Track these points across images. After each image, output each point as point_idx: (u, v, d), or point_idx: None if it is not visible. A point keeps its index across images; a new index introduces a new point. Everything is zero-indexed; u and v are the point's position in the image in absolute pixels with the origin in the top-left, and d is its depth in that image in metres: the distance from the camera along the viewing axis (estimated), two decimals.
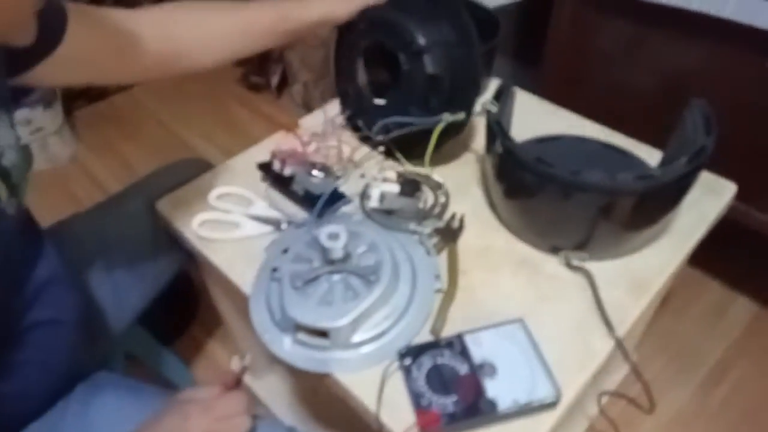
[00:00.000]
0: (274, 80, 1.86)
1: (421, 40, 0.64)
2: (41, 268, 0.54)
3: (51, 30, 0.47)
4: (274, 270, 0.59)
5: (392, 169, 0.72)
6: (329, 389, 0.55)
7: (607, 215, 0.56)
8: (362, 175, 0.72)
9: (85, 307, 0.62)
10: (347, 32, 0.72)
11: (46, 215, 0.62)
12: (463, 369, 0.51)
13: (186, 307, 1.18)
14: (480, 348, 0.52)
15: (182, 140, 1.76)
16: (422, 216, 0.65)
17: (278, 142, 0.76)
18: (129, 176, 1.57)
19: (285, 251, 0.60)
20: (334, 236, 0.54)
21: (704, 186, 0.67)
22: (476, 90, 0.65)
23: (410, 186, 0.68)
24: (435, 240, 0.64)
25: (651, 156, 0.71)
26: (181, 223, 0.69)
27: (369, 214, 0.66)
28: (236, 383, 0.55)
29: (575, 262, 0.61)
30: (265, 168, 0.73)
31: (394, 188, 0.68)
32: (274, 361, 0.85)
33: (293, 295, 0.54)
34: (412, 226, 0.64)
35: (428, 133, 0.65)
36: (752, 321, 1.15)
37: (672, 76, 0.98)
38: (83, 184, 1.63)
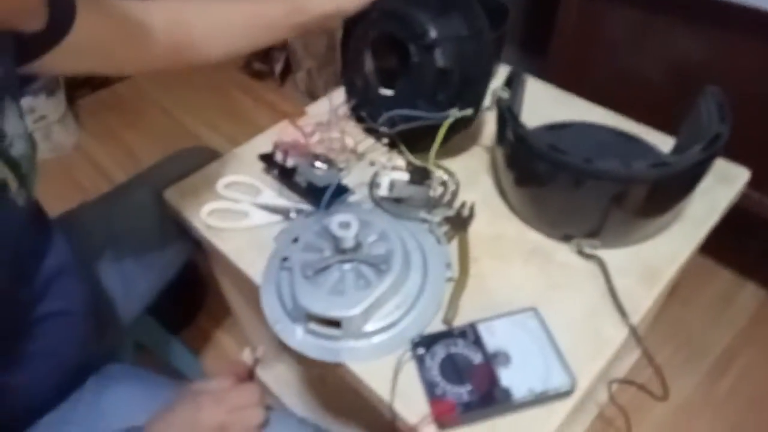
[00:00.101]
0: (278, 67, 1.84)
1: (433, 33, 0.63)
2: (51, 259, 0.53)
3: (60, 18, 0.46)
4: (285, 259, 0.59)
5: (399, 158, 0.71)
6: (341, 379, 0.55)
7: (621, 203, 0.55)
8: (372, 163, 0.71)
9: (95, 298, 0.62)
10: (357, 22, 0.71)
11: (50, 204, 0.62)
12: (477, 358, 0.50)
13: (193, 296, 1.18)
14: (493, 337, 0.52)
15: (185, 128, 1.75)
16: (432, 204, 0.65)
17: (281, 132, 0.75)
18: (132, 164, 1.57)
19: (295, 240, 0.60)
20: (345, 225, 0.54)
21: (716, 173, 0.66)
22: (485, 86, 0.64)
23: (420, 174, 0.67)
24: (445, 228, 0.63)
25: (662, 142, 0.70)
26: (190, 213, 0.68)
27: (378, 202, 0.66)
28: (249, 375, 0.55)
29: (587, 250, 0.60)
30: (268, 159, 0.72)
31: (404, 176, 0.68)
32: (282, 350, 0.86)
33: (304, 285, 0.54)
34: (422, 214, 0.63)
35: (435, 127, 0.64)
36: (760, 309, 1.15)
37: (680, 64, 0.96)
38: (87, 173, 1.63)
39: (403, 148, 0.70)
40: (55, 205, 0.66)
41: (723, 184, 0.67)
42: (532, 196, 0.62)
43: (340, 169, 0.70)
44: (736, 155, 0.68)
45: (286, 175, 0.70)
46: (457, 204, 0.66)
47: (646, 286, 0.58)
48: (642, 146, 0.69)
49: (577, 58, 1.08)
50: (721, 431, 0.98)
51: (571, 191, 0.55)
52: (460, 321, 0.55)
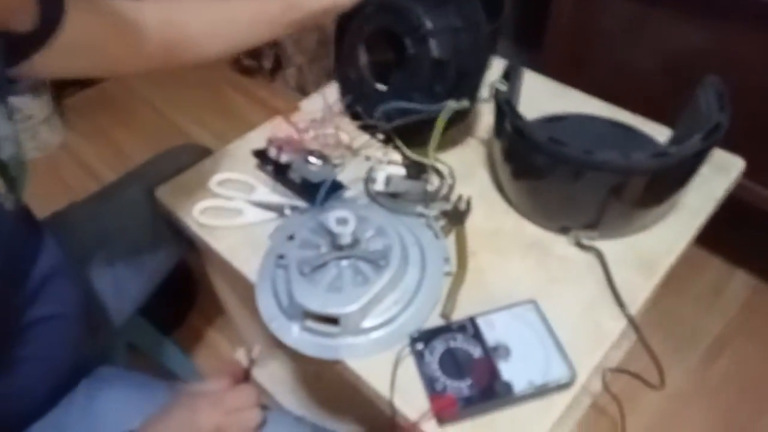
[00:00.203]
0: (267, 64, 1.83)
1: (429, 24, 0.62)
2: (42, 262, 0.52)
3: (49, 17, 0.44)
4: (280, 257, 0.58)
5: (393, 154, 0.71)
6: (337, 375, 0.54)
7: (620, 194, 0.55)
8: (367, 158, 0.70)
9: (87, 300, 0.60)
10: (352, 16, 0.70)
11: (36, 204, 0.61)
12: (476, 352, 0.50)
13: (185, 295, 1.17)
14: (493, 330, 0.52)
15: (175, 125, 1.73)
16: (429, 198, 0.64)
17: (275, 128, 0.74)
18: (121, 163, 1.55)
19: (291, 237, 0.59)
20: (342, 221, 0.53)
21: (712, 163, 0.65)
22: (481, 77, 0.64)
23: (416, 168, 0.67)
24: (442, 223, 0.63)
25: (659, 133, 0.70)
26: (182, 211, 0.67)
27: (374, 197, 0.65)
28: (245, 376, 0.54)
29: (585, 242, 0.60)
30: (261, 155, 0.71)
31: (400, 171, 0.67)
32: (276, 348, 0.85)
33: (301, 282, 0.53)
34: (419, 208, 0.63)
35: (430, 121, 0.64)
36: (751, 297, 1.16)
37: (676, 55, 0.96)
38: (75, 172, 1.61)
39: (399, 142, 0.69)
40: (41, 206, 0.64)
41: (719, 174, 0.68)
42: (530, 189, 0.62)
43: (335, 165, 0.69)
44: (728, 144, 0.68)
45: (280, 172, 0.69)
46: (453, 198, 0.65)
47: (643, 277, 0.58)
48: (639, 137, 0.69)
49: (572, 50, 1.08)
50: (713, 418, 0.99)
51: (570, 183, 0.55)
52: (458, 315, 0.54)
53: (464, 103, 0.63)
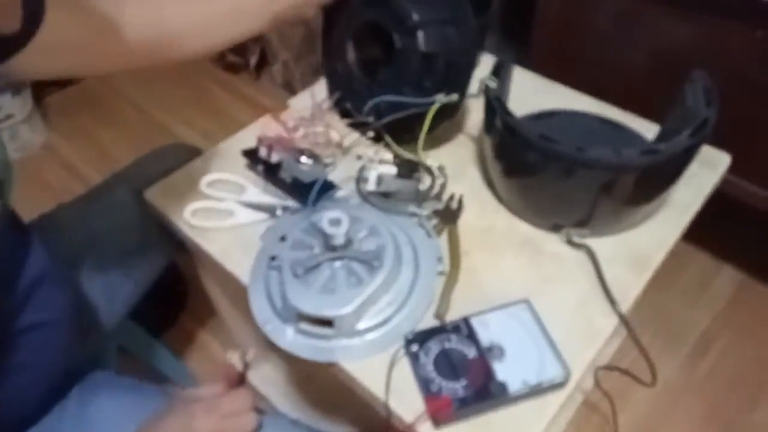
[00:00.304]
0: (253, 60, 1.81)
1: (416, 17, 0.61)
2: (30, 268, 0.51)
3: (28, 16, 0.43)
4: (273, 258, 0.57)
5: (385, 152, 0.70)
6: (332, 377, 0.54)
7: (610, 191, 0.55)
8: (358, 157, 0.70)
9: (77, 305, 0.59)
10: (339, 11, 0.69)
11: (20, 206, 0.59)
12: (471, 352, 0.50)
13: (175, 297, 1.16)
14: (487, 330, 0.52)
15: (159, 124, 1.71)
16: (421, 198, 0.64)
17: (264, 127, 0.73)
18: (104, 162, 1.53)
19: (283, 238, 0.58)
20: (335, 222, 0.53)
21: (699, 158, 0.66)
22: (470, 71, 0.63)
23: (407, 167, 0.67)
24: (434, 222, 0.63)
25: (646, 129, 0.70)
26: (172, 213, 0.66)
27: (366, 197, 0.65)
28: (240, 380, 0.54)
29: (576, 239, 0.60)
30: (251, 155, 0.70)
31: (391, 170, 0.67)
32: (270, 350, 0.84)
33: (295, 284, 0.53)
34: (411, 208, 0.63)
35: (420, 116, 0.63)
36: (737, 291, 1.17)
37: (664, 51, 0.97)
38: (57, 173, 1.58)
39: (389, 139, 0.68)
40: (24, 207, 0.63)
41: (706, 169, 0.68)
42: (521, 187, 0.62)
43: (326, 165, 0.69)
44: (714, 139, 0.69)
45: (270, 172, 0.68)
46: (445, 197, 0.65)
47: (634, 274, 0.58)
48: (627, 133, 0.69)
49: (559, 45, 1.08)
50: (703, 412, 1.00)
51: (562, 180, 0.55)
52: (452, 315, 0.54)
53: (453, 97, 0.63)
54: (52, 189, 1.51)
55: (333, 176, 0.68)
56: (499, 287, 0.57)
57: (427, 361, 0.50)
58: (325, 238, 0.54)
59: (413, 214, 0.62)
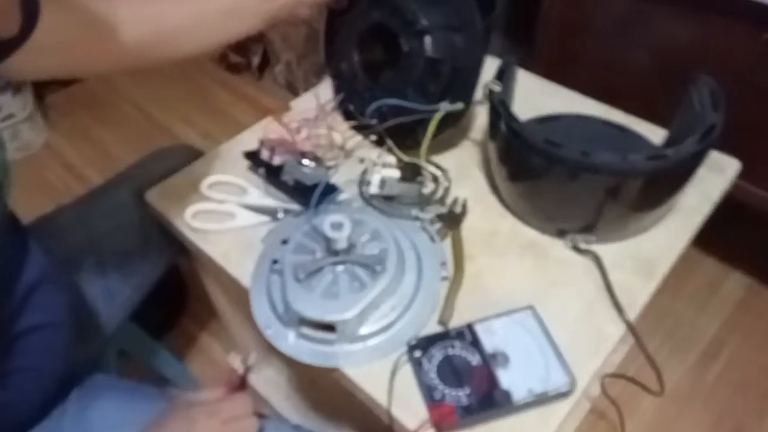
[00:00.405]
0: (255, 60, 1.80)
1: (424, 21, 0.61)
2: (29, 270, 0.51)
3: (24, 17, 0.43)
4: (275, 262, 0.57)
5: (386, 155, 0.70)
6: (335, 382, 0.54)
7: (617, 196, 0.55)
8: (361, 160, 0.69)
9: (76, 308, 0.59)
10: (345, 12, 0.69)
11: (19, 206, 0.59)
12: (475, 359, 0.49)
13: (175, 298, 1.15)
14: (491, 337, 0.51)
15: (160, 124, 1.70)
16: (424, 201, 0.63)
17: (266, 128, 0.73)
18: (105, 162, 1.52)
19: (284, 242, 0.58)
20: (337, 226, 0.52)
21: (707, 163, 0.65)
22: (476, 79, 0.63)
23: (410, 171, 0.66)
24: (438, 226, 0.62)
25: (652, 133, 0.70)
26: (173, 215, 0.65)
27: (368, 200, 0.64)
28: (241, 384, 0.53)
29: (582, 245, 0.60)
30: (253, 157, 0.70)
31: (394, 173, 0.66)
32: (272, 353, 0.84)
33: (297, 288, 0.52)
34: (414, 212, 0.62)
35: (424, 122, 0.63)
36: (745, 296, 1.16)
37: (668, 52, 0.96)
38: (58, 172, 1.58)
39: (390, 143, 0.68)
40: (24, 207, 0.62)
41: (714, 175, 0.67)
42: (526, 191, 0.61)
43: (328, 167, 0.68)
44: (721, 143, 0.68)
45: (272, 174, 0.67)
46: (449, 200, 0.65)
47: (642, 280, 0.57)
48: (633, 137, 0.69)
49: (563, 47, 1.08)
50: (711, 419, 0.99)
51: (567, 185, 0.55)
52: (456, 321, 0.54)
53: (458, 105, 0.62)
54: (53, 188, 1.51)
55: (335, 179, 0.68)
56: (504, 292, 0.56)
57: (431, 368, 0.49)
58: (327, 242, 0.53)
59: (416, 218, 0.62)
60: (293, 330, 0.53)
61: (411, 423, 0.47)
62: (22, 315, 0.49)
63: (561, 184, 0.55)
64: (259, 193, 0.67)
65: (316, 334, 0.52)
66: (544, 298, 0.55)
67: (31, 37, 0.43)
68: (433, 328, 0.53)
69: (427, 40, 0.62)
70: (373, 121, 0.68)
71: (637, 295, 0.56)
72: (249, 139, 0.74)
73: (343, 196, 0.66)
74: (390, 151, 0.68)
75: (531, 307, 0.53)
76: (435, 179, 0.67)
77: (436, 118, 0.62)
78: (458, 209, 0.64)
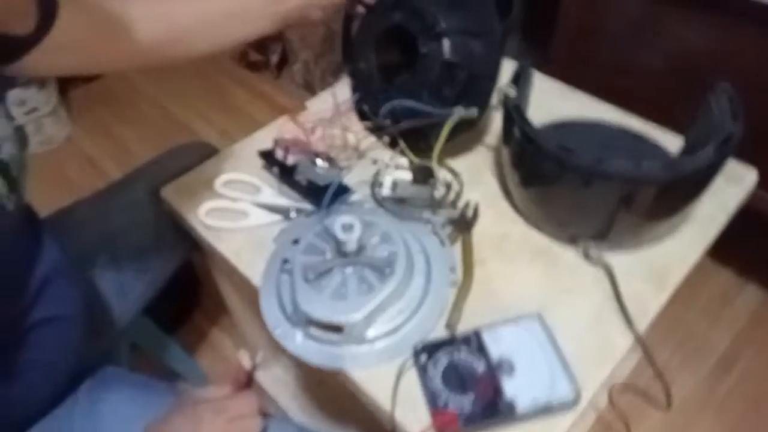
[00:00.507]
0: (274, 59, 1.82)
1: (443, 24, 0.61)
2: (42, 264, 0.52)
3: (42, 15, 0.44)
4: (285, 261, 0.57)
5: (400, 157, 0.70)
6: (342, 385, 0.54)
7: (630, 205, 0.54)
8: (374, 162, 0.69)
9: (89, 302, 0.60)
10: (367, 12, 0.69)
11: (39, 198, 0.60)
12: (480, 367, 0.49)
13: (188, 294, 1.17)
14: (497, 344, 0.51)
15: (178, 121, 1.72)
16: (436, 205, 0.63)
17: (281, 128, 0.73)
18: (124, 158, 1.55)
19: (295, 242, 0.58)
20: (348, 227, 0.52)
21: (724, 173, 0.64)
22: (492, 85, 0.62)
23: (423, 173, 0.66)
24: (449, 230, 0.62)
25: (668, 141, 0.68)
26: (187, 211, 0.66)
27: (380, 202, 0.64)
28: (247, 381, 0.53)
29: (594, 253, 0.59)
30: (267, 156, 0.70)
31: (407, 176, 0.66)
32: (281, 352, 0.84)
33: (306, 289, 0.52)
34: (426, 215, 0.62)
35: (438, 125, 0.62)
36: (759, 309, 1.14)
37: (686, 57, 0.95)
38: (78, 167, 1.61)
39: (403, 145, 0.68)
40: (43, 200, 0.64)
41: (731, 185, 0.66)
42: (538, 197, 0.61)
43: (342, 168, 0.69)
44: (738, 151, 0.67)
45: (286, 173, 0.68)
46: (461, 204, 0.64)
47: (654, 291, 0.57)
48: (648, 145, 0.68)
49: (579, 48, 1.07)
50: None
51: (580, 192, 0.54)
52: (463, 325, 0.53)
53: (472, 111, 0.62)
54: (72, 183, 1.54)
55: (348, 180, 0.68)
56: (513, 298, 0.56)
57: (436, 374, 0.49)
58: (338, 243, 0.53)
59: (427, 222, 0.61)
60: (301, 330, 0.53)
61: (414, 428, 0.47)
62: (35, 308, 0.50)
63: (574, 190, 0.55)
64: (272, 192, 0.68)
65: (323, 335, 0.52)
66: (553, 305, 0.55)
67: (48, 35, 0.44)
68: (440, 332, 0.53)
69: (446, 43, 0.62)
70: (387, 123, 0.68)
71: (648, 305, 0.55)
72: (264, 138, 0.74)
73: (355, 197, 0.66)
74: (403, 153, 0.68)
75: (538, 315, 0.53)
76: (447, 183, 0.67)
77: (450, 123, 0.61)
78: (470, 213, 0.64)
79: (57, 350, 0.54)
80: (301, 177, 0.67)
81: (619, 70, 1.05)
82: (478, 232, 0.62)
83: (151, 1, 0.56)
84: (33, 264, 0.51)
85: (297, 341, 0.53)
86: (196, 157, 0.73)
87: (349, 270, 0.54)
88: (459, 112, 0.61)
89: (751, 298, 1.15)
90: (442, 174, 0.67)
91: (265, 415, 0.53)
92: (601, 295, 0.56)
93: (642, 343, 0.53)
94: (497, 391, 0.47)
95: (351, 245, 0.53)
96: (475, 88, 0.63)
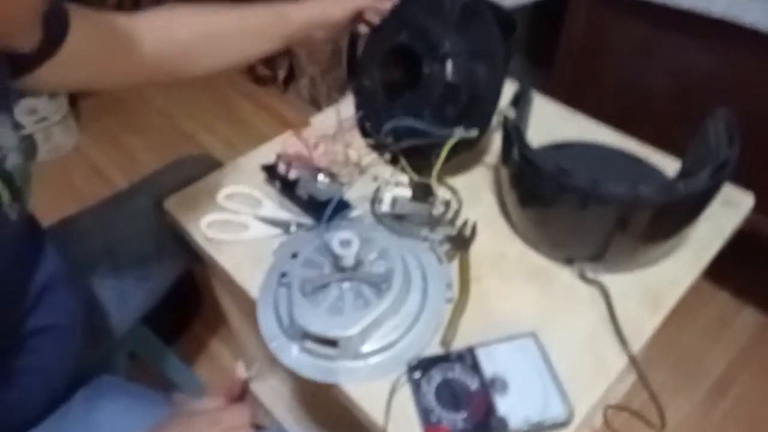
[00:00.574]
0: (282, 73, 1.84)
1: (447, 45, 0.62)
2: (42, 272, 0.52)
3: (53, 31, 0.46)
4: (283, 275, 0.58)
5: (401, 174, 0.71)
6: (336, 399, 0.54)
7: (625, 227, 0.55)
8: (374, 178, 0.70)
9: (88, 311, 0.60)
10: (372, 31, 0.70)
11: (47, 207, 0.61)
12: (473, 384, 0.49)
13: (189, 303, 1.17)
14: (491, 362, 0.51)
15: (185, 132, 1.74)
16: (434, 222, 0.64)
17: (285, 143, 0.75)
18: (131, 168, 1.56)
19: (294, 255, 0.59)
20: (346, 243, 0.53)
21: (721, 197, 0.65)
22: (493, 107, 0.64)
23: (422, 191, 0.67)
24: (446, 247, 0.62)
25: (666, 164, 0.69)
26: (189, 223, 0.67)
27: (379, 218, 0.65)
28: (241, 393, 0.54)
29: (589, 275, 0.59)
30: (270, 170, 0.71)
31: (406, 193, 0.67)
32: (276, 364, 0.85)
33: (302, 302, 0.53)
34: (424, 232, 0.63)
35: (437, 145, 0.64)
36: (757, 332, 1.13)
37: (686, 80, 0.96)
38: (85, 176, 1.62)
39: (404, 162, 0.69)
40: (49, 208, 0.65)
41: (727, 209, 0.67)
42: (536, 217, 0.61)
43: (342, 184, 0.70)
44: (736, 175, 0.67)
45: (287, 188, 0.69)
46: (459, 222, 0.65)
47: (648, 313, 0.57)
48: (646, 168, 0.68)
49: (582, 70, 1.08)
50: None
51: (576, 213, 0.55)
52: (458, 343, 0.54)
53: (473, 133, 0.63)
54: (79, 191, 1.55)
55: (349, 195, 0.69)
56: (508, 316, 0.56)
57: (429, 390, 0.49)
58: (335, 258, 0.54)
59: (425, 239, 0.62)
60: (297, 344, 0.54)
61: None
62: (34, 315, 0.51)
63: (570, 211, 0.55)
64: (273, 206, 0.68)
65: (318, 349, 0.52)
66: (548, 325, 0.55)
67: (60, 51, 0.46)
68: (435, 348, 0.54)
69: (449, 64, 0.63)
70: (389, 141, 0.69)
71: (643, 327, 0.55)
72: (267, 152, 0.75)
73: (355, 213, 0.67)
74: (403, 170, 0.69)
75: (533, 334, 0.53)
76: (446, 201, 0.67)
77: (449, 143, 0.63)
78: (468, 231, 0.64)
79: (54, 357, 0.54)
80: (302, 191, 0.68)
81: (620, 91, 1.06)
82: (476, 250, 0.63)
83: (158, 21, 0.57)
84: (33, 271, 0.52)
85: (293, 354, 0.53)
86: (200, 169, 0.74)
87: (346, 285, 0.55)
88: (459, 133, 0.62)
89: (748, 321, 1.15)
90: (441, 192, 0.68)
91: (258, 427, 0.53)
92: (597, 316, 0.57)
93: (636, 364, 0.53)
94: (490, 408, 0.48)
95: (348, 260, 0.54)
96: (476, 110, 0.64)
